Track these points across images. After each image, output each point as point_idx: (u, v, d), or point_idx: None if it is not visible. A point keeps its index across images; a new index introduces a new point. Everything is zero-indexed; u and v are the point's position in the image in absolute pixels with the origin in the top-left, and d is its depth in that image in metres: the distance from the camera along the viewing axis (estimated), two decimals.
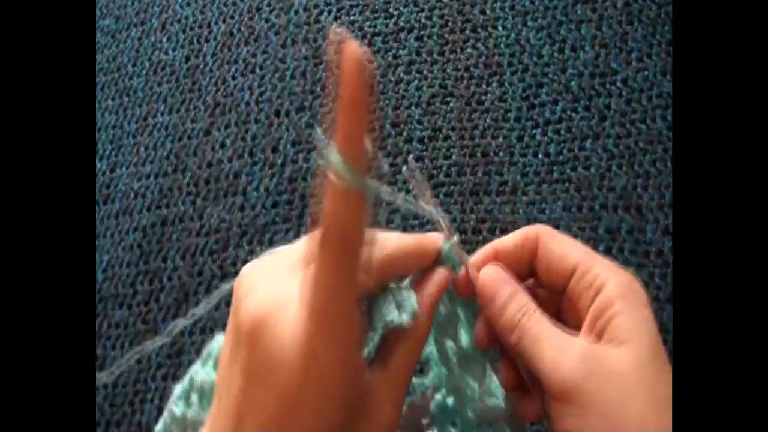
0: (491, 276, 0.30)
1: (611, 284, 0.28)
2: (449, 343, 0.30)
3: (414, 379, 0.32)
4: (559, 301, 0.31)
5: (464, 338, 0.31)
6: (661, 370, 0.25)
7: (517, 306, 0.29)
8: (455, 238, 0.30)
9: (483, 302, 0.30)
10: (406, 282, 0.29)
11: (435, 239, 0.30)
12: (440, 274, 0.29)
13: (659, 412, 0.24)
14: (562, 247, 0.30)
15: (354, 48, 0.22)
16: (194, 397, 0.31)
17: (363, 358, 0.25)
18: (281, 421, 0.23)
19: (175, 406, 0.32)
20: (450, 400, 0.32)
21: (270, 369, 0.23)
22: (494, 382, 0.31)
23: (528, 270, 0.31)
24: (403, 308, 0.27)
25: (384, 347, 0.27)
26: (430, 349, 0.32)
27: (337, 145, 0.22)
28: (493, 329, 0.30)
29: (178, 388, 0.32)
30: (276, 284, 0.25)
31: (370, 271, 0.26)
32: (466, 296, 0.31)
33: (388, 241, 0.28)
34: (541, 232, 0.30)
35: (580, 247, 0.30)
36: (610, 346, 0.26)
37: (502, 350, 0.31)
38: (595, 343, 0.27)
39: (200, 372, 0.31)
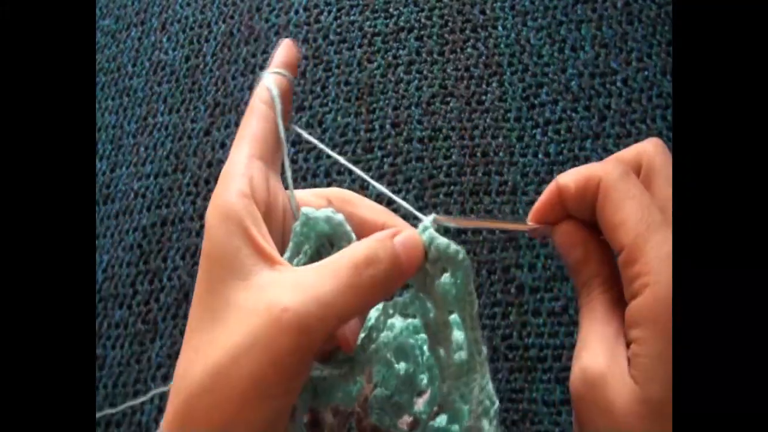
0: (561, 236, 0.29)
1: (647, 296, 0.24)
2: (441, 352, 0.29)
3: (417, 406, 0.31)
4: None
5: (457, 345, 0.30)
6: (665, 427, 0.23)
7: (582, 276, 0.28)
8: (430, 217, 0.28)
9: (562, 258, 0.29)
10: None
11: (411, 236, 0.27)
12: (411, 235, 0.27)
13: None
14: (616, 214, 0.26)
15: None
16: None
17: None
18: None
19: None
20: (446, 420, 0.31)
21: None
22: (489, 386, 0.30)
23: (594, 214, 0.28)
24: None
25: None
26: (427, 362, 0.31)
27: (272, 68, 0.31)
28: (546, 212, 0.29)
29: None
30: None
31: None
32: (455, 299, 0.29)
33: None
34: (603, 180, 0.27)
35: (637, 218, 0.26)
36: (625, 373, 0.24)
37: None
38: (612, 359, 0.25)
39: None
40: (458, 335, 0.29)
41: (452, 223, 0.29)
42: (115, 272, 0.62)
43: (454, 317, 0.29)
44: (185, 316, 0.59)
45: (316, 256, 0.27)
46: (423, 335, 0.31)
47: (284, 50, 0.32)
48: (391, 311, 0.30)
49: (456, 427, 0.30)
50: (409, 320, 0.32)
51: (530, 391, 0.52)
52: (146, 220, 0.64)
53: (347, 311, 0.24)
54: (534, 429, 0.51)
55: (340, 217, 0.28)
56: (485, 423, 0.29)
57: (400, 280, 0.26)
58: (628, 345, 0.25)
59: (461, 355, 0.29)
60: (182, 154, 0.67)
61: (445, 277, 0.28)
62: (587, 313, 0.27)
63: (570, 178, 0.28)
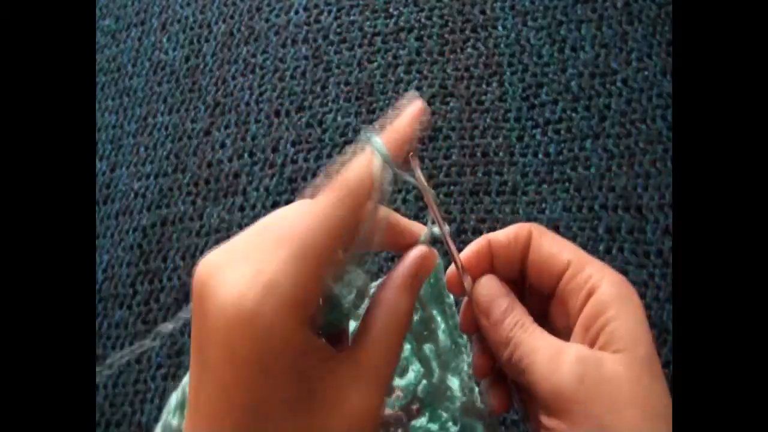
0: (487, 289, 0.29)
1: (605, 286, 0.27)
2: (428, 346, 0.30)
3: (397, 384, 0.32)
4: (548, 304, 0.30)
5: (442, 339, 0.31)
6: (655, 380, 0.25)
7: (512, 321, 0.28)
8: (446, 227, 0.29)
9: (478, 315, 0.29)
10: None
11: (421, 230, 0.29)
12: (421, 252, 0.28)
13: (653, 424, 0.24)
14: (553, 246, 0.29)
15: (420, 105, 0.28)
16: None
17: (313, 331, 0.24)
18: (229, 381, 0.22)
19: (171, 417, 0.31)
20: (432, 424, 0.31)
21: (211, 327, 0.22)
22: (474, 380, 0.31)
23: (520, 267, 0.30)
24: (352, 284, 0.26)
25: (359, 334, 0.26)
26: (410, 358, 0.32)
27: (386, 134, 0.26)
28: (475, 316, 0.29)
29: (173, 399, 0.32)
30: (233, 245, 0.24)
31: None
32: (445, 292, 0.30)
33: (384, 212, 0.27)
34: (533, 229, 0.30)
35: (572, 247, 0.29)
36: (606, 353, 0.26)
37: (477, 338, 0.31)
38: (590, 349, 0.26)
39: None
40: (441, 328, 0.31)
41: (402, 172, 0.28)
42: (115, 272, 0.62)
43: (435, 311, 0.31)
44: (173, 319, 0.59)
45: None
46: (407, 345, 0.32)
47: (408, 121, 0.27)
48: None
49: (435, 426, 0.31)
50: None
51: None
52: (146, 220, 0.64)
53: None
54: (522, 430, 0.51)
55: (365, 282, 0.27)
56: (477, 403, 0.30)
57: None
58: (593, 339, 0.27)
59: (445, 342, 0.30)
60: (182, 154, 0.67)
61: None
62: (536, 339, 0.27)
63: (498, 233, 0.31)
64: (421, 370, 0.31)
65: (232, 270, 0.22)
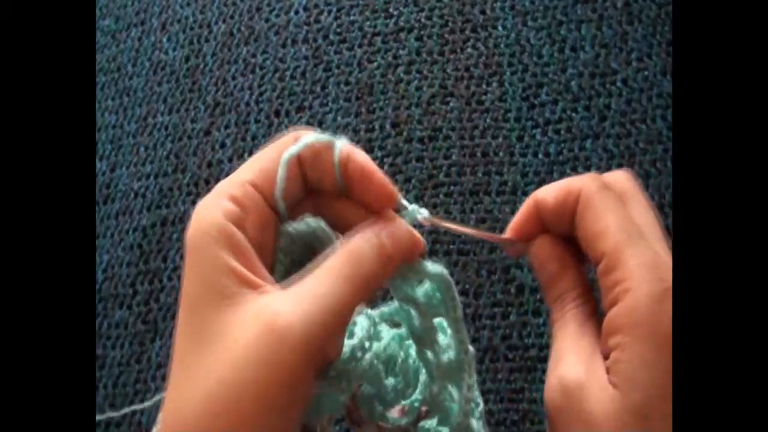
0: (537, 249, 0.29)
1: (628, 302, 0.24)
2: (429, 354, 0.30)
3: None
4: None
5: (443, 347, 0.30)
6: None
7: (555, 293, 0.28)
8: (424, 211, 0.29)
9: (536, 273, 0.29)
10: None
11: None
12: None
13: None
14: (596, 224, 0.26)
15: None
16: None
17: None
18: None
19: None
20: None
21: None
22: (475, 385, 0.31)
23: (572, 226, 0.28)
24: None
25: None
26: (415, 366, 0.32)
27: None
28: (526, 228, 0.29)
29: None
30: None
31: None
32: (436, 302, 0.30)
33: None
34: (582, 193, 0.27)
35: (613, 228, 0.26)
36: (606, 380, 0.24)
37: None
38: (590, 369, 0.25)
39: None
40: (444, 338, 0.30)
41: (431, 223, 0.30)
42: (115, 272, 0.62)
43: (439, 321, 0.30)
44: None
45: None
46: (409, 342, 0.32)
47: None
48: (377, 320, 0.30)
49: (446, 429, 0.30)
50: (394, 330, 0.32)
51: (530, 391, 0.52)
52: (146, 220, 0.64)
53: (345, 306, 0.24)
54: (534, 429, 0.51)
55: (318, 223, 0.28)
56: (473, 421, 0.29)
57: (390, 267, 0.26)
58: (605, 356, 0.25)
59: (449, 355, 0.30)
60: (182, 154, 0.67)
61: (427, 284, 0.29)
62: (561, 327, 0.27)
63: (548, 191, 0.28)
64: (422, 378, 0.31)
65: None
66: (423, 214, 0.29)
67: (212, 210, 0.25)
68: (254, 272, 0.24)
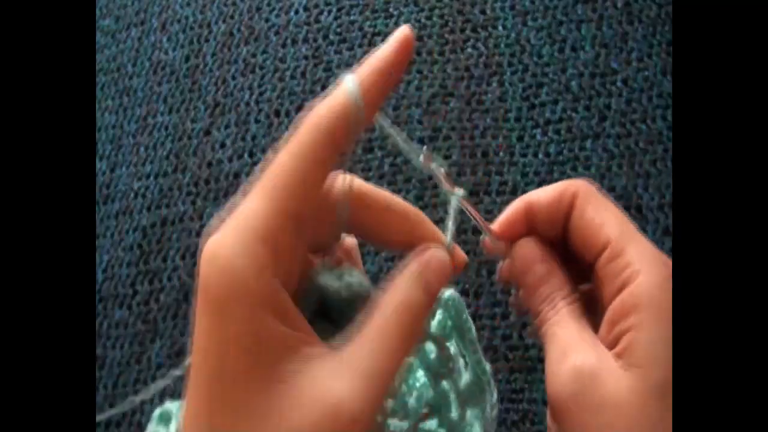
0: (522, 254, 0.28)
1: (639, 283, 0.24)
2: (445, 385, 0.29)
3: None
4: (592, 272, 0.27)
5: (464, 376, 0.29)
6: (667, 409, 0.23)
7: (544, 293, 0.27)
8: (460, 191, 0.27)
9: (516, 276, 0.28)
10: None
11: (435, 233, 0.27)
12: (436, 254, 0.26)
13: None
14: (596, 217, 0.26)
15: (409, 32, 0.26)
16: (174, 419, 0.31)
17: (287, 294, 0.22)
18: (214, 349, 0.21)
19: (158, 426, 0.31)
20: None
21: (204, 289, 0.21)
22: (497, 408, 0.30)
23: (564, 230, 0.28)
24: (343, 279, 0.25)
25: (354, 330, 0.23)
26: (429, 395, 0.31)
27: (359, 76, 0.26)
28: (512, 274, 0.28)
29: (158, 410, 0.32)
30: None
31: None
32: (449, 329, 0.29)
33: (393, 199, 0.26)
34: (581, 190, 0.27)
35: (617, 220, 0.26)
36: (618, 365, 0.24)
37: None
38: (601, 357, 0.24)
39: None
40: (462, 365, 0.29)
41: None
42: (115, 272, 0.62)
43: (453, 347, 0.29)
44: (185, 316, 0.59)
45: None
46: (423, 378, 0.30)
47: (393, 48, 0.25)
48: None
49: (444, 431, 0.30)
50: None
51: (530, 391, 0.52)
52: (146, 220, 0.64)
53: (397, 373, 0.23)
54: (534, 429, 0.51)
55: (358, 277, 0.26)
56: None
57: (432, 304, 0.25)
58: (611, 345, 0.25)
59: (466, 378, 0.29)
60: (182, 154, 0.67)
61: (438, 314, 0.28)
62: (559, 323, 0.26)
63: (541, 192, 0.28)
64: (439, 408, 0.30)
65: (221, 225, 0.22)
66: (459, 194, 0.28)
67: (244, 260, 0.21)
68: (296, 328, 0.22)
